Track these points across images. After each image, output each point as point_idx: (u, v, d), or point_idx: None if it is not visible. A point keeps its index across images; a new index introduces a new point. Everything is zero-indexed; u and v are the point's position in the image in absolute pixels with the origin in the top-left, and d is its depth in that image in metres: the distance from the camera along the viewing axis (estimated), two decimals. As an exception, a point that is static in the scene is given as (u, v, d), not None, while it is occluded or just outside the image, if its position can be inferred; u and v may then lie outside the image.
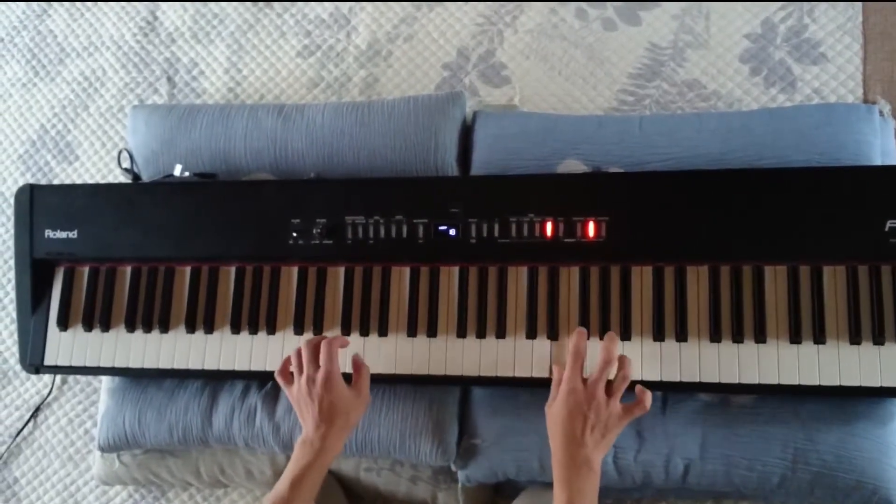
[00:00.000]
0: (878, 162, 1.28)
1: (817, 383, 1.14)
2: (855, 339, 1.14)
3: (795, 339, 1.16)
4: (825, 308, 1.16)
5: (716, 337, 1.18)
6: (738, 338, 1.17)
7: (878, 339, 1.13)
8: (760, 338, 1.16)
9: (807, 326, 1.16)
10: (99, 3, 1.90)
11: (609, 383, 1.10)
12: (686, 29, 1.59)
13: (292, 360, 1.19)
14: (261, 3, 1.81)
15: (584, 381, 1.09)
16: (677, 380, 1.18)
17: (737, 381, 1.17)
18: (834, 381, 1.14)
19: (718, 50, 1.57)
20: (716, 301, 1.19)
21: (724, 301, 1.19)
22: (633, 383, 1.13)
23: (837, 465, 1.15)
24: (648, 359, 1.19)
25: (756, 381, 1.16)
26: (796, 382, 1.15)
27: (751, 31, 1.57)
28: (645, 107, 1.57)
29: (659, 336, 1.19)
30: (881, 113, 1.34)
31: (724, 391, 1.21)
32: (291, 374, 1.19)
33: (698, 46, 1.58)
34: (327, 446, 1.11)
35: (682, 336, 1.19)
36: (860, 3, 1.53)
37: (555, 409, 1.10)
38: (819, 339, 1.15)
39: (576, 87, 1.61)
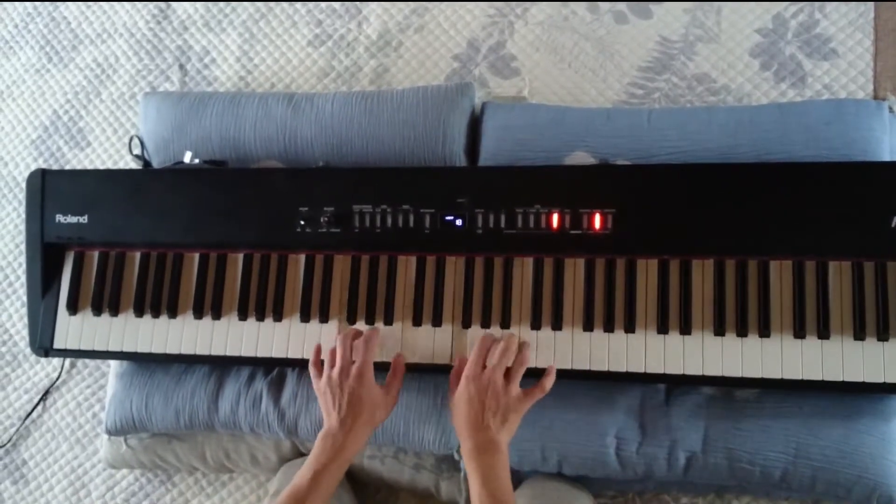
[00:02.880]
0: (886, 158, 1.27)
1: (820, 378, 1.15)
2: (859, 335, 1.14)
3: (800, 333, 1.16)
4: (830, 303, 1.16)
5: (720, 330, 1.18)
6: (742, 332, 1.17)
7: (883, 336, 1.14)
8: (765, 332, 1.17)
9: (811, 321, 1.16)
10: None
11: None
12: (697, 23, 1.59)
13: (327, 355, 1.20)
14: (273, -7, 1.81)
15: (485, 368, 1.13)
16: (681, 373, 1.19)
17: (740, 375, 1.17)
18: (837, 377, 1.14)
19: (729, 44, 1.57)
20: (721, 295, 1.19)
21: (728, 295, 1.19)
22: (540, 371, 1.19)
23: (839, 461, 1.16)
24: (652, 351, 1.20)
25: (759, 376, 1.16)
26: (799, 377, 1.15)
27: (762, 25, 1.56)
28: (654, 100, 1.56)
29: (663, 329, 1.19)
30: (891, 109, 1.33)
31: (727, 385, 1.22)
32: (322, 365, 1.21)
33: (709, 41, 1.58)
34: (350, 442, 1.11)
35: (686, 329, 1.19)
36: (872, 0, 1.52)
37: (456, 398, 1.13)
38: (823, 334, 1.15)
39: (585, 80, 1.61)
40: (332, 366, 1.17)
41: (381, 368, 1.23)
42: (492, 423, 1.08)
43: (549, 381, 1.17)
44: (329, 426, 1.13)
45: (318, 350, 1.24)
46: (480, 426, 1.08)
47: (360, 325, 1.28)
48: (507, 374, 1.14)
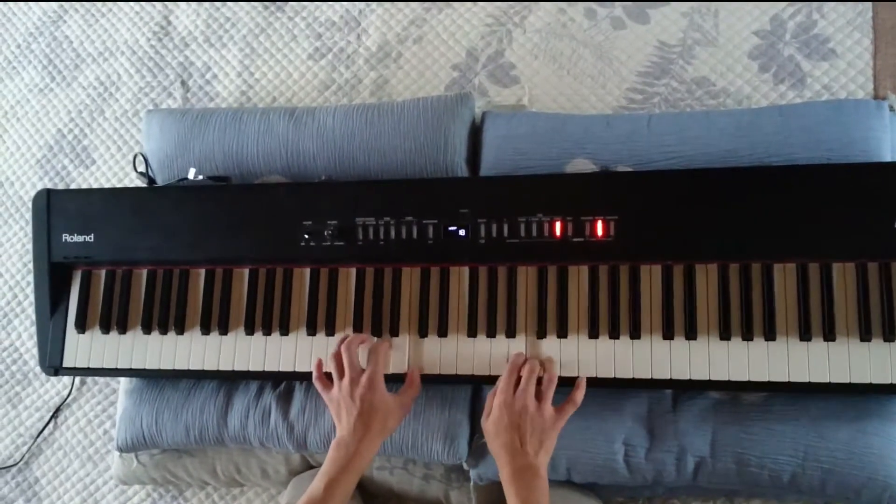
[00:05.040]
0: (888, 158, 1.27)
1: (827, 381, 1.15)
2: (865, 337, 1.14)
3: (805, 336, 1.16)
4: (835, 305, 1.16)
5: (725, 335, 1.18)
6: (747, 336, 1.17)
7: (889, 336, 1.14)
8: (770, 335, 1.17)
9: (816, 324, 1.16)
10: (113, 5, 1.92)
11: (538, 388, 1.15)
12: (695, 26, 1.59)
13: (331, 363, 1.21)
14: (272, 7, 1.82)
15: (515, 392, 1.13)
16: (687, 378, 1.19)
17: (747, 379, 1.17)
18: (844, 379, 1.14)
19: (727, 47, 1.57)
20: (725, 299, 1.19)
21: (733, 299, 1.19)
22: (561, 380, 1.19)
23: (848, 463, 1.16)
24: (658, 357, 1.20)
25: (766, 379, 1.16)
26: (806, 380, 1.15)
27: (760, 27, 1.57)
28: (654, 105, 1.57)
29: (669, 334, 1.20)
30: (891, 108, 1.33)
31: (734, 389, 1.22)
32: (328, 377, 1.22)
33: (707, 44, 1.58)
34: (363, 450, 1.12)
35: (691, 334, 1.19)
36: (870, 0, 1.52)
37: (490, 426, 1.13)
38: (829, 336, 1.15)
39: (584, 87, 1.61)
40: (341, 374, 1.18)
41: (394, 380, 1.24)
42: (529, 448, 1.08)
43: (580, 395, 1.16)
44: (341, 435, 1.14)
45: (321, 364, 1.24)
46: (518, 452, 1.08)
47: (366, 337, 1.29)
48: (538, 394, 1.14)
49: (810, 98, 1.51)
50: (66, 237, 1.37)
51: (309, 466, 1.43)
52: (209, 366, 1.34)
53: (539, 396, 1.13)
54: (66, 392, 1.70)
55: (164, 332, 1.36)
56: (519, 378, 1.17)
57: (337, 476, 1.10)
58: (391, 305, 1.29)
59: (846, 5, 1.54)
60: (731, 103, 1.54)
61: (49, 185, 1.83)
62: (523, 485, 1.06)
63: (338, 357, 1.21)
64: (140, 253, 1.35)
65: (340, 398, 1.16)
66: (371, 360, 1.19)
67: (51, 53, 1.93)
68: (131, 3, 1.91)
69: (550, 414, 1.12)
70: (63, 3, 1.96)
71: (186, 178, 1.44)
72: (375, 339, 1.27)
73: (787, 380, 1.16)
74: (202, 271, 1.37)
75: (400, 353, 1.28)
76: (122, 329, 1.37)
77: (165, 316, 1.36)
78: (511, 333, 1.24)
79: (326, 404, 1.21)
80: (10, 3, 1.99)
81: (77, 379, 1.70)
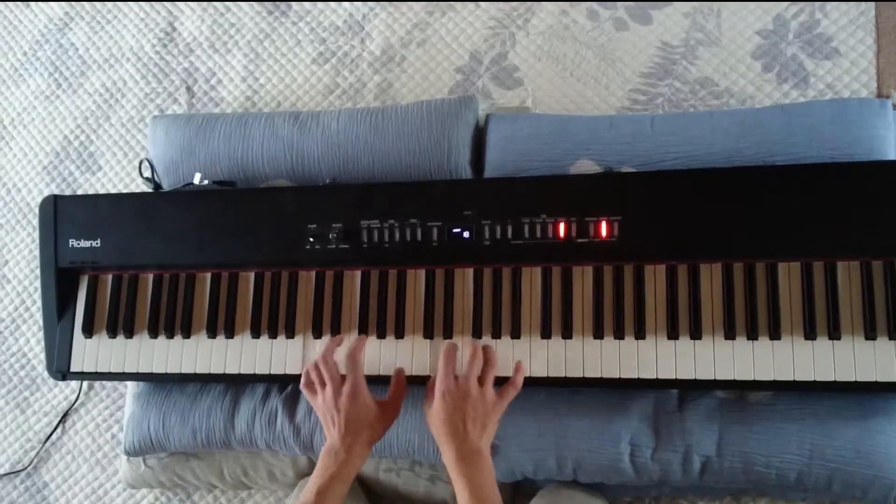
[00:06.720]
0: (891, 156, 1.27)
1: (833, 379, 1.15)
2: (870, 335, 1.14)
3: (810, 335, 1.16)
4: (839, 304, 1.16)
5: (730, 334, 1.18)
6: (752, 335, 1.17)
7: (894, 335, 1.13)
8: (775, 334, 1.17)
9: (821, 322, 1.16)
10: (119, 12, 1.93)
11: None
12: (697, 27, 1.60)
13: (312, 373, 1.20)
14: (276, 13, 1.83)
15: (457, 378, 1.13)
16: (692, 377, 1.19)
17: (752, 379, 1.17)
18: (849, 377, 1.14)
19: (730, 47, 1.57)
20: (730, 298, 1.19)
21: (737, 298, 1.19)
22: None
23: (855, 461, 1.15)
24: (663, 357, 1.20)
25: (771, 378, 1.16)
26: (812, 379, 1.15)
27: (762, 27, 1.57)
28: (657, 106, 1.57)
29: (673, 334, 1.20)
30: (895, 107, 1.33)
31: (739, 388, 1.22)
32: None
33: (710, 44, 1.58)
34: (352, 457, 1.13)
35: (696, 334, 1.19)
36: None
37: (433, 412, 1.13)
38: (834, 334, 1.15)
39: (588, 88, 1.61)
40: (323, 385, 1.18)
41: (384, 383, 1.24)
42: (472, 432, 1.09)
43: (520, 378, 1.17)
44: (331, 442, 1.15)
45: (308, 371, 1.22)
46: (462, 436, 1.09)
47: (372, 339, 1.29)
48: (479, 379, 1.14)
49: (814, 97, 1.51)
50: (73, 242, 1.38)
51: (316, 469, 1.44)
52: (216, 369, 1.34)
53: (480, 381, 1.14)
54: (73, 397, 1.71)
55: (170, 335, 1.37)
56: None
57: (327, 484, 1.10)
58: (396, 307, 1.30)
59: (849, 4, 1.54)
60: (734, 103, 1.54)
61: (56, 191, 1.84)
62: (471, 469, 1.06)
63: (316, 369, 1.20)
64: (146, 257, 1.36)
65: (325, 409, 1.16)
66: (350, 368, 1.18)
67: (57, 60, 1.95)
68: (136, 10, 1.92)
69: (492, 397, 1.13)
70: (69, 4, 1.97)
71: (192, 183, 1.45)
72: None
73: (792, 379, 1.16)
74: (208, 275, 1.37)
75: (405, 355, 1.28)
76: (129, 333, 1.38)
77: (172, 320, 1.37)
78: (516, 334, 1.25)
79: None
80: (17, 11, 2.01)
81: (85, 383, 1.71)
